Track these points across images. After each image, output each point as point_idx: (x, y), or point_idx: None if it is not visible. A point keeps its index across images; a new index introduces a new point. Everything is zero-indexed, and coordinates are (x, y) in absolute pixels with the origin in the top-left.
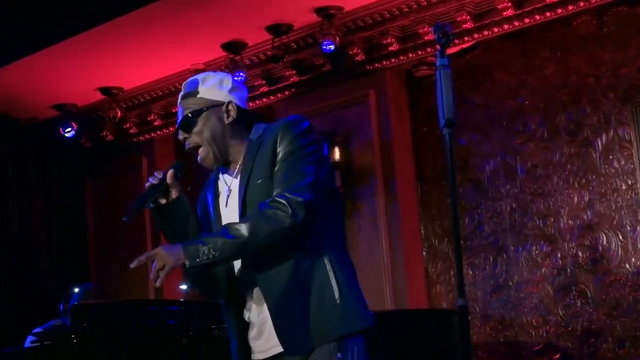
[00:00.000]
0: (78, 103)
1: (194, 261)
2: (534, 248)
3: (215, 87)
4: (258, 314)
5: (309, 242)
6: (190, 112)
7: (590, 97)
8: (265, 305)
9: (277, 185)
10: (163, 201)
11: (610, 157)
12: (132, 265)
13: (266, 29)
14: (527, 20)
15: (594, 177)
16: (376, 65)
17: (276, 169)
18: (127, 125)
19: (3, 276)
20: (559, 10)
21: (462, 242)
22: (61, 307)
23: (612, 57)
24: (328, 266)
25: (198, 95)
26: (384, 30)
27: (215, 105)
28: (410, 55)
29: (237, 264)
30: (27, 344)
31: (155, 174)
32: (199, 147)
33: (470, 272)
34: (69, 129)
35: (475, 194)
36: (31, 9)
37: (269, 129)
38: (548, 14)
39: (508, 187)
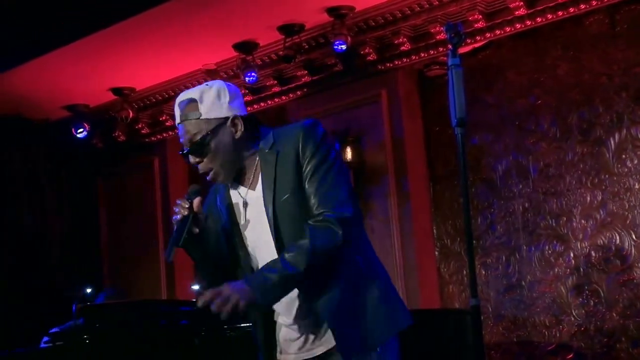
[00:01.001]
0: (90, 104)
1: (267, 300)
2: (547, 248)
3: (215, 103)
4: (288, 315)
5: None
6: (199, 139)
7: (602, 96)
8: (296, 307)
9: (317, 203)
10: (196, 230)
11: (623, 156)
12: (199, 305)
13: (278, 29)
14: (539, 19)
15: (606, 176)
16: (388, 64)
17: (307, 183)
18: (139, 126)
19: (16, 276)
20: (571, 9)
21: (474, 241)
22: (74, 308)
23: (624, 56)
24: (364, 268)
25: (201, 117)
26: (395, 30)
27: (221, 123)
28: (422, 54)
29: (261, 263)
30: (42, 344)
31: (178, 203)
32: (211, 170)
33: (483, 272)
34: (81, 130)
35: (488, 194)
36: (43, 10)
37: (282, 136)
38: (560, 12)
39: (520, 186)
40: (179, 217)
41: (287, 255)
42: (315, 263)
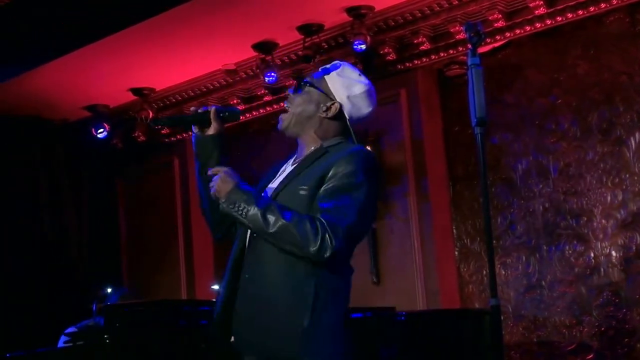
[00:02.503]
0: (110, 104)
1: (226, 205)
2: (567, 247)
3: (342, 82)
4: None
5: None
6: (305, 81)
7: (623, 95)
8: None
9: (320, 211)
10: (196, 130)
11: None
12: (209, 173)
13: (297, 29)
14: (559, 18)
15: (627, 175)
16: (407, 64)
17: (324, 189)
18: (159, 126)
19: (35, 276)
20: (592, 8)
21: (494, 241)
22: (94, 308)
23: None
24: (312, 288)
25: (326, 76)
26: (415, 30)
27: (326, 94)
28: (442, 54)
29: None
30: (61, 343)
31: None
32: (287, 112)
33: (503, 272)
34: (102, 130)
35: (508, 193)
36: (62, 10)
37: (339, 147)
38: (580, 12)
39: (540, 186)
40: (194, 109)
41: (272, 206)
42: (278, 239)
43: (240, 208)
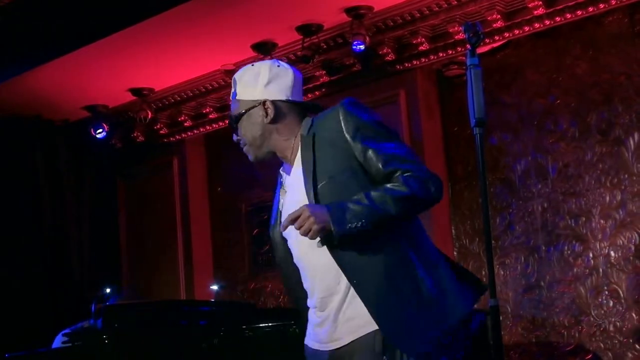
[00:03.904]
0: (109, 104)
1: (342, 228)
2: (566, 248)
3: (250, 84)
4: (326, 304)
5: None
6: (233, 117)
7: (622, 95)
8: (335, 297)
9: (394, 166)
10: None
11: None
12: (282, 228)
13: (296, 29)
14: (558, 18)
15: (626, 176)
16: (406, 64)
17: (366, 156)
18: (158, 126)
19: (36, 276)
20: (590, 9)
21: (493, 242)
22: (93, 308)
23: None
24: (414, 258)
25: (237, 97)
26: (414, 30)
27: (253, 106)
28: (441, 54)
29: (300, 250)
30: (57, 344)
31: None
32: (244, 146)
33: (502, 272)
34: (100, 130)
35: (507, 194)
36: (61, 11)
37: (321, 118)
38: (579, 12)
39: (539, 186)
40: None
41: (374, 194)
42: (406, 211)
43: (355, 220)
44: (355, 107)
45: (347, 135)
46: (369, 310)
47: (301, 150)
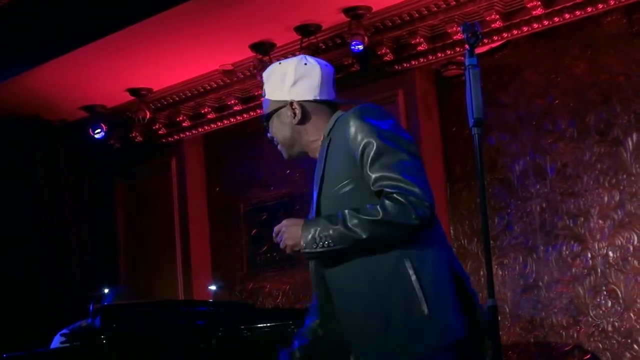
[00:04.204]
0: (107, 104)
1: (308, 249)
2: (564, 248)
3: (277, 85)
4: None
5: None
6: (264, 117)
7: (620, 96)
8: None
9: (386, 183)
10: None
11: None
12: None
13: (294, 29)
14: (556, 19)
15: (624, 176)
16: (405, 65)
17: (368, 168)
18: (156, 126)
19: (35, 276)
20: (589, 9)
21: (491, 242)
22: (91, 308)
23: None
24: (411, 271)
25: (265, 97)
26: (412, 30)
27: (281, 106)
28: (439, 54)
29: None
30: (55, 344)
31: None
32: (278, 146)
33: (500, 272)
34: (99, 130)
35: (505, 194)
36: (59, 11)
37: (340, 120)
38: (578, 12)
39: (538, 186)
40: None
41: (349, 215)
42: (379, 235)
43: (323, 240)
44: (366, 114)
45: (351, 145)
46: (345, 335)
47: (319, 153)
